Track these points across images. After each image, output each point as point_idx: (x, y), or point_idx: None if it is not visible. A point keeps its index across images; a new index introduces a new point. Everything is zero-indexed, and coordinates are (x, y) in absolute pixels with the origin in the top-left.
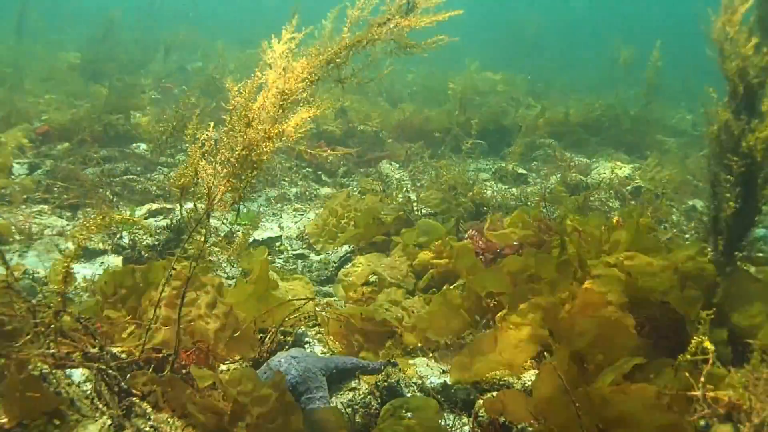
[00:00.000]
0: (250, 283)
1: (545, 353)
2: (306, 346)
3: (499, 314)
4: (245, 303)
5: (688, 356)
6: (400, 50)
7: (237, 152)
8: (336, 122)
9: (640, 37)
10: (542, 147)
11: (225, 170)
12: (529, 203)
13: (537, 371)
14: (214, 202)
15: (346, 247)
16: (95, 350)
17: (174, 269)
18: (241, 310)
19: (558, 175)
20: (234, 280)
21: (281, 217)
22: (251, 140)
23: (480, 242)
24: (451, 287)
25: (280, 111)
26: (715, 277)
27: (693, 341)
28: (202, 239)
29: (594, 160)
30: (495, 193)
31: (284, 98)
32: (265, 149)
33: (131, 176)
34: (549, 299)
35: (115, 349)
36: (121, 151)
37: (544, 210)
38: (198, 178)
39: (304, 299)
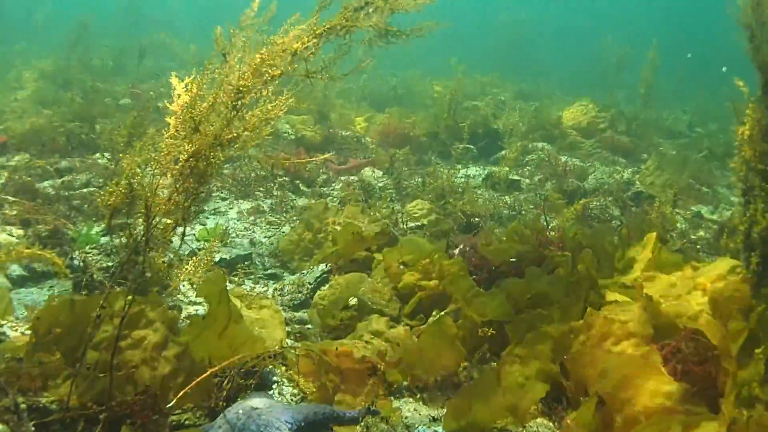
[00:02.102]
0: (208, 317)
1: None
2: (274, 387)
3: (505, 351)
4: (202, 341)
5: (738, 412)
6: (381, 39)
7: (182, 162)
8: (316, 127)
9: (627, 35)
10: (535, 151)
11: (169, 184)
12: (523, 212)
13: (545, 420)
14: (154, 224)
15: (322, 266)
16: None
17: (104, 307)
18: (197, 349)
19: (553, 181)
20: (199, 306)
21: (254, 231)
22: (199, 147)
23: (473, 259)
24: (443, 313)
25: (234, 112)
26: (750, 299)
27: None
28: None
29: (590, 164)
30: (487, 202)
31: (239, 96)
32: (215, 158)
33: (92, 188)
34: (560, 328)
35: (45, 399)
36: (83, 161)
37: (542, 221)
38: (133, 195)
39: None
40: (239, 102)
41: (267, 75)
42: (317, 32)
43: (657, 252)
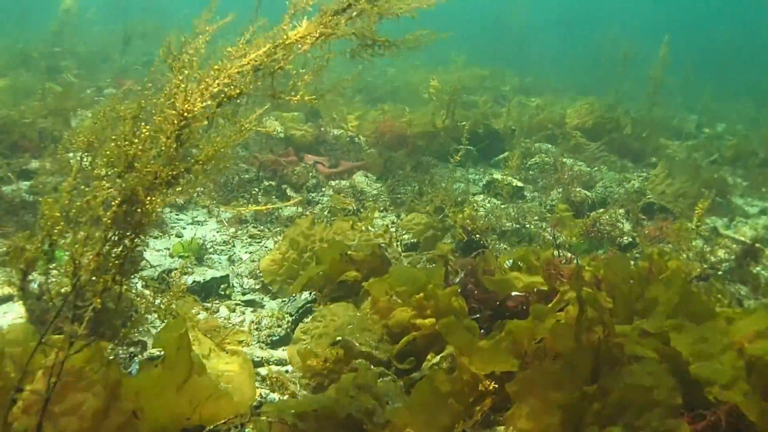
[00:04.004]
0: (165, 369)
1: None
2: None
3: (509, 412)
4: (157, 396)
5: None
6: (366, 50)
7: (113, 208)
8: (306, 126)
9: (631, 28)
10: (538, 154)
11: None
12: (527, 225)
13: None
14: (80, 283)
15: (306, 295)
16: None
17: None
18: (151, 408)
19: (559, 190)
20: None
21: (233, 245)
22: (133, 189)
23: (475, 291)
24: (438, 358)
25: (176, 145)
26: None
27: None
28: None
29: (596, 168)
30: (489, 215)
31: (183, 124)
32: (152, 204)
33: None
34: (570, 395)
35: None
36: (55, 161)
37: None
38: (52, 247)
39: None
40: (184, 131)
41: (222, 96)
42: (286, 42)
43: (684, 295)
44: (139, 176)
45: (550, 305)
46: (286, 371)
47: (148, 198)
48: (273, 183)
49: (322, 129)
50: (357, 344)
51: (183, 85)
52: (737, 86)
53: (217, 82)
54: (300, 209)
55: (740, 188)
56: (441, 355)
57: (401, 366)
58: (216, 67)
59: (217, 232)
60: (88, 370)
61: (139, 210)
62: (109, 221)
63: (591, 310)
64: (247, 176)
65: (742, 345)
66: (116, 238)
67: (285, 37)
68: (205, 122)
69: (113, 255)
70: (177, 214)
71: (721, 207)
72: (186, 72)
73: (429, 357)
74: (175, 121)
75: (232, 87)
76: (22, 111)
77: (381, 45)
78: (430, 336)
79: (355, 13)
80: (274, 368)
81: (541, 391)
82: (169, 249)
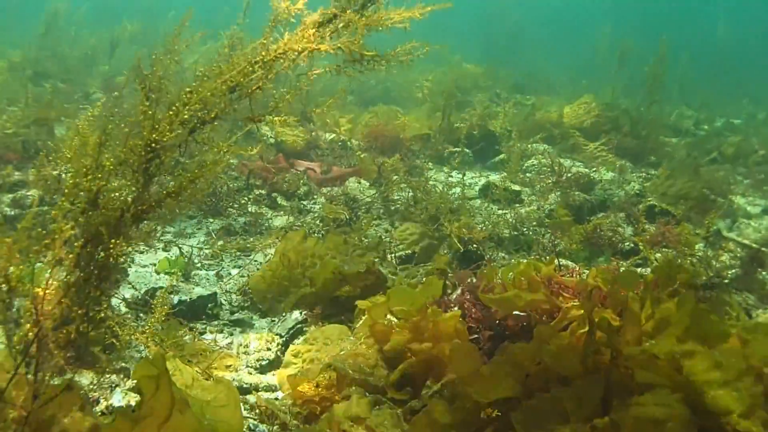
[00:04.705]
0: (142, 411)
1: None
2: None
3: None
4: None
5: None
6: (353, 65)
7: (76, 249)
8: (297, 130)
9: (625, 26)
10: (535, 155)
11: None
12: (526, 231)
13: None
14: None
15: (297, 315)
16: None
17: None
18: None
19: (557, 193)
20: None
21: (222, 259)
22: (96, 230)
23: (474, 310)
24: (439, 385)
25: (145, 179)
26: None
27: None
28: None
29: (594, 169)
30: (486, 221)
31: (151, 156)
32: (116, 249)
33: (46, 207)
34: (581, 427)
35: None
36: (38, 173)
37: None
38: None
39: None
40: (152, 163)
41: (195, 122)
42: (266, 59)
43: (695, 316)
44: (103, 214)
45: (553, 323)
46: (276, 398)
47: (113, 240)
48: (263, 191)
49: (314, 133)
50: (350, 371)
51: (150, 112)
52: (733, 82)
53: (188, 107)
54: (291, 218)
55: (741, 187)
56: (441, 382)
57: (398, 395)
58: (187, 89)
59: (205, 245)
60: (61, 417)
61: (104, 252)
62: (71, 264)
63: (601, 337)
64: (236, 184)
65: (759, 370)
66: (82, 281)
67: (263, 53)
68: (176, 154)
69: (79, 300)
70: (164, 226)
71: (722, 207)
72: (153, 96)
73: (428, 383)
74: (143, 153)
75: (205, 111)
76: (3, 121)
77: (370, 60)
78: (429, 360)
79: (341, 25)
80: (264, 395)
81: (548, 424)
82: (155, 264)
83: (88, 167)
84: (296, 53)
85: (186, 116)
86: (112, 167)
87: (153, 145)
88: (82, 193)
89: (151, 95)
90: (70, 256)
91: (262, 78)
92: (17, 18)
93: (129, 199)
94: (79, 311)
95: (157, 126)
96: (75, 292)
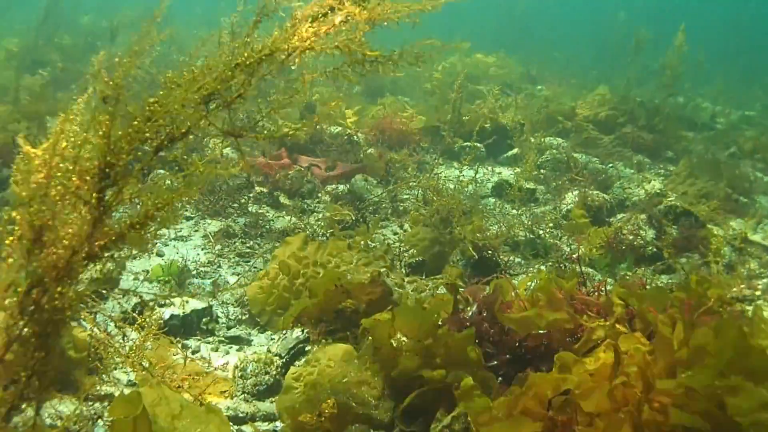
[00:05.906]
0: None
1: None
2: None
3: None
4: None
5: None
6: (353, 66)
7: (18, 296)
8: (301, 123)
9: (640, 14)
10: (549, 150)
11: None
12: (542, 234)
13: None
14: None
15: (298, 333)
16: None
17: None
18: None
19: (573, 192)
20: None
21: (219, 266)
22: (45, 271)
23: (491, 331)
24: (450, 418)
25: (99, 211)
26: None
27: None
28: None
29: (611, 165)
30: (499, 224)
31: (105, 185)
32: (65, 292)
33: None
34: None
35: None
36: None
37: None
38: None
39: None
40: (106, 191)
41: (161, 138)
42: (248, 62)
43: (738, 346)
44: (49, 254)
45: (576, 344)
46: (275, 430)
47: (59, 287)
48: (264, 189)
49: (318, 127)
50: (353, 404)
51: (104, 130)
52: (748, 73)
53: (149, 124)
54: (294, 219)
55: (763, 185)
56: (452, 415)
57: (407, 429)
58: (151, 101)
59: (202, 249)
60: None
61: (48, 302)
62: (16, 312)
63: (633, 370)
64: (235, 182)
65: None
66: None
67: (246, 54)
68: (138, 179)
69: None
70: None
71: (745, 207)
72: (110, 109)
73: (439, 416)
74: (96, 179)
75: (174, 126)
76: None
77: (373, 61)
78: (440, 388)
79: (338, 19)
80: (261, 427)
81: None
82: (148, 271)
83: (31, 196)
84: (285, 54)
85: (148, 134)
86: (58, 197)
87: (107, 170)
88: (23, 228)
89: (107, 107)
90: (12, 301)
91: (244, 84)
92: (17, 4)
93: (82, 234)
94: (26, 373)
95: (113, 147)
96: (20, 347)
